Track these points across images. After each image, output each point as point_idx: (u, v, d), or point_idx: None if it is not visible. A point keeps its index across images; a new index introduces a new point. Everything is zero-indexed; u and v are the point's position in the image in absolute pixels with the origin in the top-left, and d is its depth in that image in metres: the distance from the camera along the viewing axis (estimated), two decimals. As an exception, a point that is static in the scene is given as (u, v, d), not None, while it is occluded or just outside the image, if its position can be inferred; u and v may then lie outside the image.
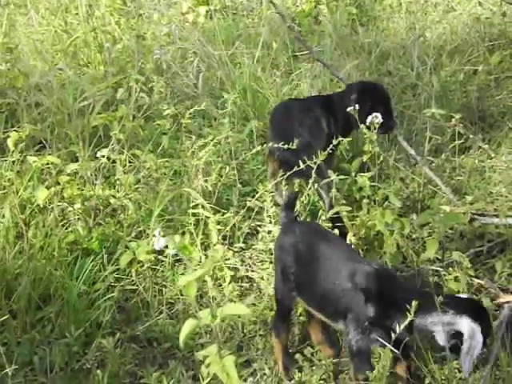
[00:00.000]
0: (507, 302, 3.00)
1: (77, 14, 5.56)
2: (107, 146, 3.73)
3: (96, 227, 3.46)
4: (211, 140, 3.57)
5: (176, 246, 2.00)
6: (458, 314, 2.55)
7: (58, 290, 3.13)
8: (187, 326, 1.96)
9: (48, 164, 3.54)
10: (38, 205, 3.44)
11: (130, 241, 3.41)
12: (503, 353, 2.71)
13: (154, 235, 2.02)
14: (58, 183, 3.52)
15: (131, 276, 3.32)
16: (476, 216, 3.55)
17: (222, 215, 3.49)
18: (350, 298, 2.67)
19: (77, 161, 3.73)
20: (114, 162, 3.72)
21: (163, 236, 2.02)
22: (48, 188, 3.44)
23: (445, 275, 3.20)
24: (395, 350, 2.53)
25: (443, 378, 2.76)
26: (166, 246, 3.03)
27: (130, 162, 3.78)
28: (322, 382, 2.86)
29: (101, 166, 3.63)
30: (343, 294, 2.69)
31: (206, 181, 3.54)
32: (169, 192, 3.50)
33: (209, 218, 3.35)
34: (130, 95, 3.76)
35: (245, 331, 3.15)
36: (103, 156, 3.58)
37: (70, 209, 3.50)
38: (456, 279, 3.13)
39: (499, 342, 2.74)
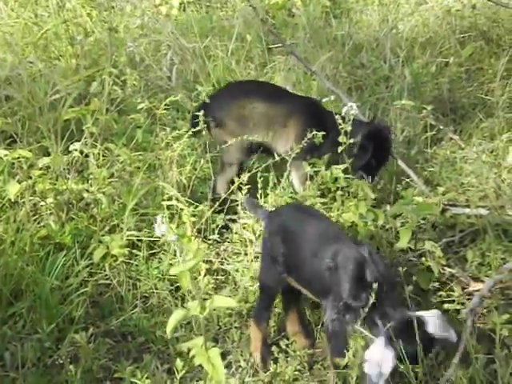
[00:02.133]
0: (477, 291, 3.04)
1: (47, 6, 5.50)
2: (80, 140, 3.69)
3: (69, 222, 3.43)
4: (185, 132, 3.56)
5: (176, 233, 1.99)
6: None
7: (29, 286, 3.11)
8: (175, 317, 1.96)
9: (19, 158, 3.49)
10: (9, 199, 3.40)
11: (104, 235, 3.39)
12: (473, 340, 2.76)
13: (155, 221, 2.03)
14: (30, 177, 3.48)
15: (105, 270, 3.30)
16: (448, 206, 3.59)
17: (196, 208, 3.49)
18: (330, 278, 2.70)
19: (49, 155, 3.69)
20: (86, 155, 3.68)
21: (163, 223, 2.02)
22: (19, 182, 3.40)
23: (417, 265, 3.24)
24: (366, 333, 2.55)
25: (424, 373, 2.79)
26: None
27: (103, 156, 3.75)
28: (296, 373, 2.88)
29: (73, 160, 3.59)
30: (325, 273, 2.72)
31: (180, 173, 3.53)
32: (143, 186, 3.48)
33: (183, 210, 3.33)
34: (103, 88, 3.72)
35: (220, 324, 3.16)
36: (76, 150, 3.54)
37: (42, 203, 3.46)
38: (428, 268, 3.17)
39: (468, 330, 2.77)
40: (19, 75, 3.98)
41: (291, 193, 3.71)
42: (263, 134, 3.62)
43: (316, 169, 3.58)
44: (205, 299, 3.05)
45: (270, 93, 3.80)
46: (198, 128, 3.49)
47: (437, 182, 4.02)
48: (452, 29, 5.53)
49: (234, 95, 3.77)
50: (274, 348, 3.02)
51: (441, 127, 4.11)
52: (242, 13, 5.64)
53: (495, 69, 4.98)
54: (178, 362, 2.51)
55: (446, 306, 3.09)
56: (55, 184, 3.49)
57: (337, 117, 3.44)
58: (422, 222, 3.50)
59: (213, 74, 4.72)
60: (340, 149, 3.45)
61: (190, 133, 3.52)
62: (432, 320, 2.60)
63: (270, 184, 3.66)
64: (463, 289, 3.16)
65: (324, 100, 3.69)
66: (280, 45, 5.09)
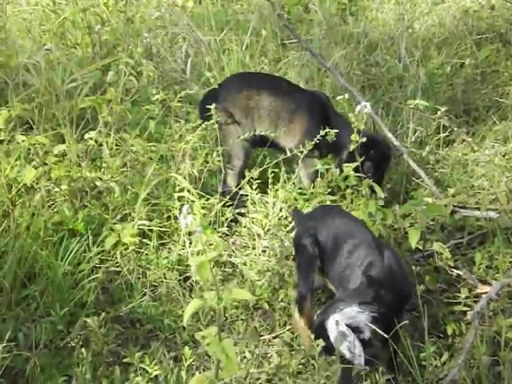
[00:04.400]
0: (485, 293, 3.06)
1: (65, -7, 5.53)
2: (94, 129, 3.73)
3: (82, 209, 3.47)
4: (199, 125, 3.59)
5: (201, 225, 2.03)
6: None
7: (43, 269, 3.15)
8: (192, 307, 2.00)
9: (35, 144, 3.54)
10: (25, 184, 3.45)
11: (115, 223, 3.43)
12: (478, 341, 2.78)
13: (180, 212, 2.06)
14: (45, 164, 3.53)
15: (116, 258, 3.34)
16: (457, 208, 3.60)
17: (207, 200, 3.52)
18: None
19: (64, 142, 3.74)
20: (100, 144, 3.72)
21: (189, 213, 2.05)
22: (35, 168, 3.45)
23: (425, 265, 3.27)
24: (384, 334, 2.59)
25: (420, 365, 2.82)
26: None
27: (116, 146, 3.79)
28: (300, 366, 2.92)
29: (88, 148, 3.63)
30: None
31: (192, 165, 3.56)
32: (155, 176, 3.52)
33: (194, 202, 3.37)
34: (119, 78, 3.76)
35: (226, 315, 3.20)
36: (91, 138, 3.58)
37: (57, 189, 3.51)
38: (436, 269, 3.19)
39: (474, 331, 2.79)
40: (37, 62, 4.02)
41: (300, 189, 3.74)
42: (268, 128, 3.64)
43: (327, 166, 3.62)
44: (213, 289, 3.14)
45: (278, 87, 3.81)
46: (206, 115, 3.52)
47: (447, 183, 4.03)
48: (469, 30, 5.52)
49: (242, 85, 3.78)
50: (278, 341, 3.08)
51: (454, 129, 4.11)
52: (257, 7, 5.65)
53: (511, 72, 4.98)
54: (186, 350, 2.56)
55: (452, 307, 3.13)
56: (70, 171, 3.54)
57: (344, 115, 3.46)
58: (431, 222, 3.53)
59: (227, 67, 4.74)
60: (352, 147, 3.48)
61: (203, 126, 3.55)
62: (332, 328, 2.62)
63: (281, 180, 3.69)
64: (470, 291, 3.18)
65: (338, 98, 3.70)
66: (295, 40, 5.11)
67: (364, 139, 3.46)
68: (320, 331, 2.63)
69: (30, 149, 3.59)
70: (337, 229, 3.00)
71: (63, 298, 3.07)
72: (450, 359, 2.91)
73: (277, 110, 3.72)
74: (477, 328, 2.81)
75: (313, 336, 2.67)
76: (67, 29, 5.05)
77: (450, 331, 3.03)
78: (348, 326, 2.58)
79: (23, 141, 3.47)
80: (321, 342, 2.61)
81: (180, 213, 2.03)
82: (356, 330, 2.60)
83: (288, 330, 3.10)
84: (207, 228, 1.97)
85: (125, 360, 2.81)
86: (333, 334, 2.59)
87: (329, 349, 2.62)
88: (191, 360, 2.56)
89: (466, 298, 3.13)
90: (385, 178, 3.82)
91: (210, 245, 3.44)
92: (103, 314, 2.99)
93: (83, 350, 2.73)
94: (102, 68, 4.31)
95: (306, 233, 3.01)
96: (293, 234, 3.18)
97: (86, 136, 3.61)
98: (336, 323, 2.58)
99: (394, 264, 2.79)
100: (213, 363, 2.76)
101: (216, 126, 3.60)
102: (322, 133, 3.48)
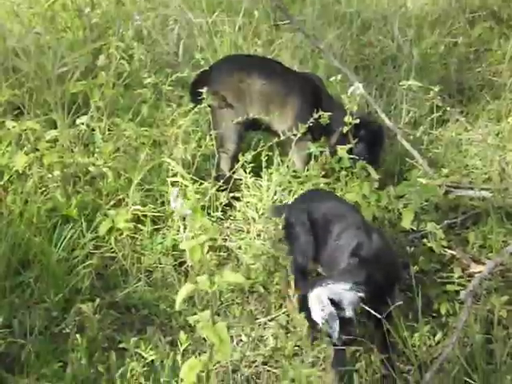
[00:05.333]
0: (478, 272, 3.08)
1: (55, -24, 5.45)
2: (86, 114, 3.71)
3: (75, 195, 3.45)
4: (191, 109, 3.57)
5: (192, 208, 2.02)
6: None
7: (37, 256, 3.15)
8: (184, 291, 2.00)
9: (26, 130, 3.51)
10: (17, 171, 3.43)
11: (109, 209, 3.42)
12: (471, 320, 2.80)
13: (171, 194, 2.06)
14: (37, 149, 3.51)
15: (110, 244, 3.34)
16: (451, 188, 3.61)
17: (200, 185, 3.52)
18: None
19: (55, 127, 3.71)
20: (93, 129, 3.70)
21: (178, 197, 2.05)
22: (27, 154, 3.42)
23: (419, 246, 3.28)
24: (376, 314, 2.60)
25: (414, 344, 2.84)
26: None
27: (109, 130, 3.77)
28: (296, 348, 2.93)
29: (80, 133, 3.61)
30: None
31: (185, 150, 3.55)
32: (148, 161, 3.50)
33: (187, 187, 3.36)
34: (110, 62, 3.72)
35: (222, 299, 3.20)
36: (82, 123, 3.56)
37: (49, 176, 3.49)
38: (430, 249, 3.20)
39: (467, 310, 2.81)
40: (27, 46, 3.97)
41: (294, 172, 3.73)
42: (260, 111, 3.62)
43: (320, 149, 3.61)
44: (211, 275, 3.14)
45: (270, 70, 3.78)
46: (197, 98, 3.51)
47: (441, 163, 4.02)
48: (462, 7, 5.49)
49: (233, 68, 3.75)
50: (274, 324, 3.09)
51: (447, 109, 4.10)
52: (249, -13, 5.59)
53: (504, 50, 4.96)
54: (182, 335, 2.56)
55: (446, 287, 3.14)
56: (62, 157, 3.52)
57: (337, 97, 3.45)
58: (425, 203, 3.53)
59: (219, 49, 4.70)
60: (345, 129, 3.47)
61: (196, 109, 3.53)
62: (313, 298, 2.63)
63: (275, 163, 3.68)
64: (463, 270, 3.19)
65: (331, 79, 3.68)
66: (287, 21, 5.07)
67: (356, 120, 3.46)
68: (301, 303, 2.65)
69: (21, 135, 3.56)
70: (325, 212, 3.00)
71: (58, 284, 3.07)
72: (444, 338, 2.93)
73: (268, 93, 3.70)
74: (470, 307, 2.82)
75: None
76: (56, 12, 4.99)
77: (443, 311, 3.05)
78: (330, 300, 2.59)
79: (14, 127, 3.44)
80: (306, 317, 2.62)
81: (171, 195, 2.02)
82: (338, 306, 2.61)
83: (283, 313, 3.10)
84: (198, 211, 1.97)
85: (120, 345, 2.82)
86: (312, 303, 2.60)
87: (310, 319, 2.64)
88: (187, 344, 2.56)
89: (460, 277, 3.14)
90: (380, 159, 3.81)
91: (204, 229, 3.46)
92: (98, 299, 2.98)
93: (78, 336, 2.73)
94: (92, 52, 4.27)
95: (298, 218, 3.00)
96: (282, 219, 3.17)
97: (78, 121, 3.59)
98: (318, 295, 2.59)
99: (383, 245, 2.80)
100: (209, 347, 2.77)
101: (208, 109, 3.57)
102: (316, 116, 3.46)
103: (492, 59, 5.03)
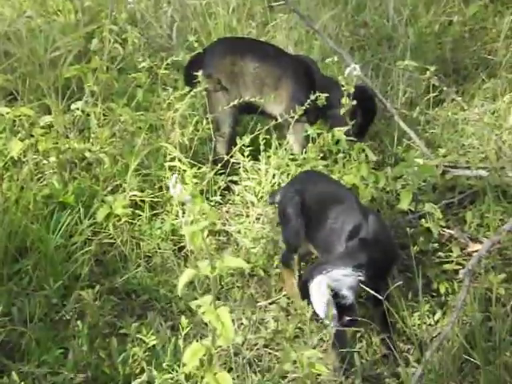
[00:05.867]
0: (476, 251, 3.09)
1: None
2: (80, 99, 3.68)
3: (72, 181, 3.43)
4: (188, 92, 3.54)
5: (191, 194, 2.01)
6: None
7: (34, 243, 3.13)
8: (186, 276, 2.00)
9: (20, 116, 3.48)
10: (12, 157, 3.40)
11: (106, 195, 3.40)
12: (471, 299, 2.82)
13: (170, 180, 2.05)
14: (32, 136, 3.48)
15: (108, 230, 3.32)
16: (448, 168, 3.61)
17: (198, 169, 3.50)
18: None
19: (49, 113, 3.68)
20: (88, 114, 3.67)
21: (177, 183, 2.04)
22: (21, 140, 3.40)
23: (417, 226, 3.28)
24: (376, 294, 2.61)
25: (414, 324, 2.86)
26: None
27: (104, 116, 3.74)
28: (297, 330, 2.94)
29: (75, 118, 3.58)
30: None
31: (182, 134, 3.52)
32: (145, 146, 3.48)
33: (185, 171, 3.35)
34: (104, 46, 3.69)
35: (222, 283, 3.20)
36: (77, 109, 3.53)
37: (45, 162, 3.47)
38: (428, 230, 3.20)
39: (466, 289, 2.82)
40: (18, 30, 3.92)
41: (292, 155, 3.72)
42: (254, 94, 3.60)
43: (318, 131, 3.60)
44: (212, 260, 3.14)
45: (263, 52, 3.76)
46: (191, 82, 3.49)
47: (438, 143, 4.02)
48: (457, -15, 5.45)
49: (226, 50, 3.73)
50: (274, 306, 3.10)
51: (444, 88, 4.08)
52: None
53: (499, 28, 4.94)
54: (183, 320, 2.56)
55: (444, 266, 3.15)
56: (57, 143, 3.49)
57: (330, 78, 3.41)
58: (423, 183, 3.53)
59: (214, 32, 4.67)
60: (342, 111, 3.46)
61: (192, 93, 3.50)
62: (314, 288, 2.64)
63: (273, 146, 3.66)
64: (462, 249, 3.20)
65: (327, 61, 3.66)
66: (282, 2, 5.02)
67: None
68: (303, 290, 2.65)
69: (15, 121, 3.53)
70: (321, 194, 2.99)
71: (56, 271, 3.06)
72: (443, 317, 2.95)
73: (261, 76, 3.68)
74: (468, 286, 2.83)
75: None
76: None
77: (442, 290, 3.06)
78: (331, 289, 2.59)
79: (8, 113, 3.41)
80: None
81: (170, 181, 2.01)
82: (338, 293, 2.62)
83: (284, 296, 3.11)
84: (197, 197, 1.96)
85: (121, 331, 2.82)
86: (314, 295, 2.61)
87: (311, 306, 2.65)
88: (188, 329, 2.56)
89: (458, 256, 3.16)
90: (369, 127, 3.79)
91: (204, 214, 3.45)
92: (98, 286, 2.98)
93: (79, 322, 2.73)
94: (85, 35, 4.22)
95: (291, 199, 3.00)
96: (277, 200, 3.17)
97: (73, 106, 3.56)
98: (318, 284, 2.59)
99: (380, 227, 2.80)
100: (210, 331, 2.77)
101: (204, 93, 3.55)
102: (313, 97, 3.44)
103: (487, 38, 5.00)
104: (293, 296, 3.04)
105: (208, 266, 1.97)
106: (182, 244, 3.37)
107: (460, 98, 4.26)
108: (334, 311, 2.57)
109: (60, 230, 3.16)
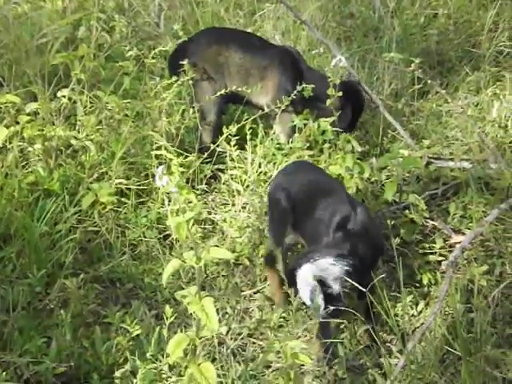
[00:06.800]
0: (458, 243, 3.12)
1: None
2: (67, 86, 3.65)
3: (57, 168, 3.42)
4: (175, 81, 3.54)
5: (177, 185, 2.02)
6: None
7: (18, 231, 3.11)
8: (171, 267, 2.01)
9: (6, 103, 3.45)
10: (-3, 144, 3.39)
11: (92, 182, 3.39)
12: (453, 290, 2.86)
13: (156, 172, 2.04)
14: (17, 122, 3.45)
15: (93, 218, 3.31)
16: (432, 160, 3.64)
17: (185, 158, 3.50)
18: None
19: (35, 100, 3.66)
20: (74, 102, 3.65)
21: (164, 174, 2.04)
22: (7, 127, 3.37)
23: (401, 217, 3.31)
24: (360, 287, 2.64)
25: (396, 314, 2.89)
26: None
27: (91, 103, 3.72)
28: (281, 319, 2.96)
29: (61, 106, 3.56)
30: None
31: (169, 123, 3.52)
32: (131, 134, 3.47)
33: (171, 160, 3.34)
34: (91, 34, 3.66)
35: (207, 272, 3.22)
36: (64, 96, 3.51)
37: (30, 149, 3.45)
38: (412, 221, 3.24)
39: (448, 280, 2.85)
40: (4, 17, 3.89)
41: (278, 144, 3.74)
42: (240, 84, 3.60)
43: (304, 121, 3.61)
44: (192, 248, 3.14)
45: (248, 43, 3.78)
46: (176, 71, 3.48)
47: (422, 135, 4.05)
48: (441, -22, 5.47)
49: (211, 40, 3.74)
50: (259, 296, 3.12)
51: (428, 81, 4.11)
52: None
53: (483, 21, 4.97)
54: (168, 309, 2.57)
55: (427, 257, 3.19)
56: (43, 130, 3.47)
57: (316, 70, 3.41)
58: (407, 175, 3.56)
59: (201, 21, 4.65)
60: (328, 102, 3.48)
61: (179, 82, 3.50)
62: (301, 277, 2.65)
63: (259, 136, 3.67)
64: (445, 241, 3.24)
65: (313, 52, 3.67)
66: (269, -8, 5.01)
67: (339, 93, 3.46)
68: (289, 278, 2.67)
69: (0, 107, 3.50)
70: (309, 184, 3.00)
71: (40, 258, 3.05)
72: (426, 308, 2.99)
73: (247, 66, 3.70)
74: (451, 277, 2.87)
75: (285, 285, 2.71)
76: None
77: (425, 281, 3.09)
78: (318, 278, 2.62)
79: (-7, 100, 3.38)
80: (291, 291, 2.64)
81: (156, 173, 2.02)
82: (325, 283, 2.64)
83: (269, 285, 3.13)
84: (183, 188, 1.97)
85: (105, 320, 2.82)
86: (300, 283, 2.63)
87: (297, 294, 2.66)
88: (173, 318, 2.57)
89: (441, 248, 3.19)
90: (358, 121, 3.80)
91: (189, 203, 3.45)
92: (82, 274, 2.98)
93: (62, 311, 2.72)
94: (72, 22, 4.19)
95: (279, 188, 3.01)
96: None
97: (59, 94, 3.54)
98: (305, 274, 2.61)
99: (367, 219, 2.82)
100: (194, 320, 2.79)
101: (190, 82, 3.55)
102: (299, 88, 3.46)
103: (471, 30, 5.03)
104: (273, 295, 3.05)
105: (193, 257, 1.99)
106: (167, 232, 3.37)
107: (444, 91, 4.29)
108: (320, 300, 2.58)
109: (45, 217, 3.15)
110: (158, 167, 2.04)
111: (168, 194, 3.35)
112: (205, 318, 1.99)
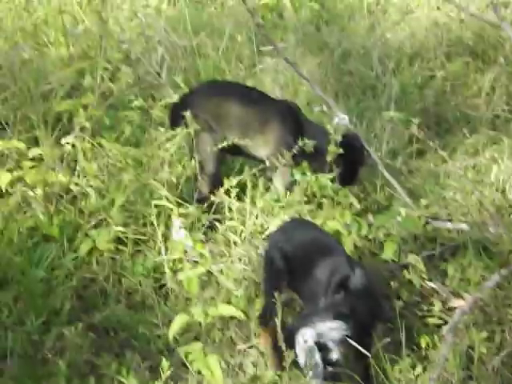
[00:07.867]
0: (458, 307, 3.10)
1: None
2: (69, 132, 3.68)
3: (57, 214, 3.41)
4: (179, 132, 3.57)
5: (193, 240, 2.03)
6: None
7: (16, 275, 3.10)
8: (178, 321, 2.00)
9: (10, 148, 3.47)
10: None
11: (90, 229, 3.39)
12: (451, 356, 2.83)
13: (172, 225, 2.05)
14: (20, 167, 3.46)
15: (91, 264, 3.30)
16: (430, 220, 3.66)
17: (185, 208, 3.50)
18: None
19: (38, 144, 3.67)
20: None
21: (181, 228, 2.05)
22: (10, 172, 3.38)
23: (399, 277, 3.31)
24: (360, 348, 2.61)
25: (395, 377, 2.86)
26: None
27: (92, 150, 3.73)
28: (277, 378, 2.90)
29: (64, 153, 3.58)
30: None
31: (170, 173, 3.54)
32: (132, 182, 3.48)
33: (172, 210, 3.36)
34: (95, 82, 3.71)
35: (201, 325, 3.18)
36: (68, 143, 3.53)
37: (31, 194, 3.44)
38: (410, 281, 3.23)
39: (447, 346, 2.83)
40: (11, 63, 3.93)
41: (276, 196, 3.75)
42: (239, 137, 3.64)
43: (303, 176, 3.64)
44: (188, 298, 3.11)
45: (248, 96, 3.82)
46: (177, 122, 3.52)
47: (419, 194, 4.08)
48: (438, 41, 5.61)
49: (211, 92, 3.80)
50: (253, 351, 3.08)
51: (429, 143, 4.16)
52: (232, 11, 5.64)
53: (480, 85, 5.08)
54: (164, 362, 2.54)
55: (426, 320, 3.17)
56: (45, 175, 3.47)
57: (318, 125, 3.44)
58: (405, 233, 3.57)
59: (203, 72, 4.73)
60: (329, 157, 3.52)
61: (183, 133, 3.53)
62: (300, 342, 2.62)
63: (260, 188, 3.69)
64: (443, 303, 3.22)
65: (316, 109, 3.73)
66: (270, 47, 5.10)
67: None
68: (288, 341, 2.64)
69: (4, 152, 3.52)
70: (307, 243, 2.99)
71: (37, 304, 3.02)
72: (424, 372, 2.95)
73: (246, 119, 3.74)
74: (450, 343, 2.83)
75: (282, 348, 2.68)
76: (39, 27, 4.94)
77: (423, 344, 3.06)
78: (317, 343, 2.59)
79: (-2, 144, 3.40)
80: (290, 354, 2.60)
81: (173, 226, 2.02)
82: (324, 348, 2.61)
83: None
84: (198, 243, 1.98)
85: (100, 371, 2.78)
86: (299, 347, 2.60)
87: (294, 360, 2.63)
88: (169, 372, 2.53)
89: (440, 311, 3.16)
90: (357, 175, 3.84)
91: (185, 252, 3.43)
92: (78, 322, 2.95)
93: (60, 362, 2.68)
94: (76, 69, 4.24)
95: (274, 246, 3.00)
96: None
97: (63, 141, 3.56)
98: (304, 338, 2.59)
99: (366, 280, 2.80)
100: (190, 375, 2.74)
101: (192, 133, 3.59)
102: (301, 143, 3.50)
103: (468, 93, 5.13)
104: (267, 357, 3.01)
105: (201, 313, 1.97)
106: (163, 282, 3.35)
107: (445, 153, 4.32)
108: (318, 363, 2.56)
109: (43, 263, 3.13)
110: (173, 221, 2.04)
111: (166, 242, 3.34)
112: (209, 375, 1.97)
